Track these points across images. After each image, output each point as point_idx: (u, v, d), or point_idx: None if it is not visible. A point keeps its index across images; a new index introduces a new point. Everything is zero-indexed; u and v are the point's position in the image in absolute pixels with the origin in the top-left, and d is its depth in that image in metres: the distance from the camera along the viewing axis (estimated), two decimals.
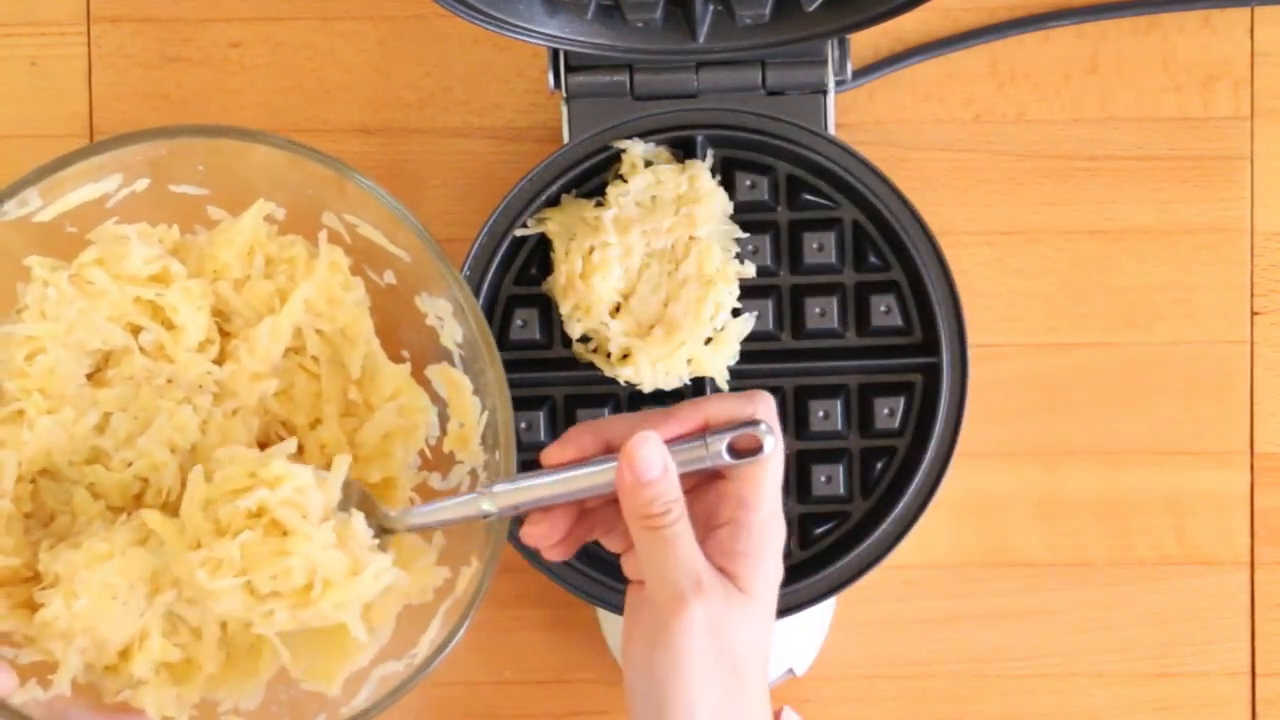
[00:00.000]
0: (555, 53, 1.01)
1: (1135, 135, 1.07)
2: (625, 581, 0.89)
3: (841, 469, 1.01)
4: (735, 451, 0.84)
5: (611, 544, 0.89)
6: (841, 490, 1.02)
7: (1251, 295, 1.08)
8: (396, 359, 0.94)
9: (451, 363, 0.93)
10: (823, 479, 1.01)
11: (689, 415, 0.85)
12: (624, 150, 1.00)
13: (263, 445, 0.92)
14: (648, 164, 1.01)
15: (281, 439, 0.92)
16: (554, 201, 1.01)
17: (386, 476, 0.93)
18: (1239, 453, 1.08)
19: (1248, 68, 1.07)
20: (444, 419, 0.94)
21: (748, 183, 1.01)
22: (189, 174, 0.91)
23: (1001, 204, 1.08)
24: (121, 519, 0.89)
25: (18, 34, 1.08)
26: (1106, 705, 1.08)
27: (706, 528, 0.85)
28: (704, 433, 0.84)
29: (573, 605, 1.06)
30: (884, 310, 1.01)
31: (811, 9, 0.99)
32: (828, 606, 1.04)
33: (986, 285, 1.07)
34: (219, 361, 0.92)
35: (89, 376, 0.92)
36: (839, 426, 1.01)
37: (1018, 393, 1.07)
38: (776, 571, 0.86)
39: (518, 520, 0.87)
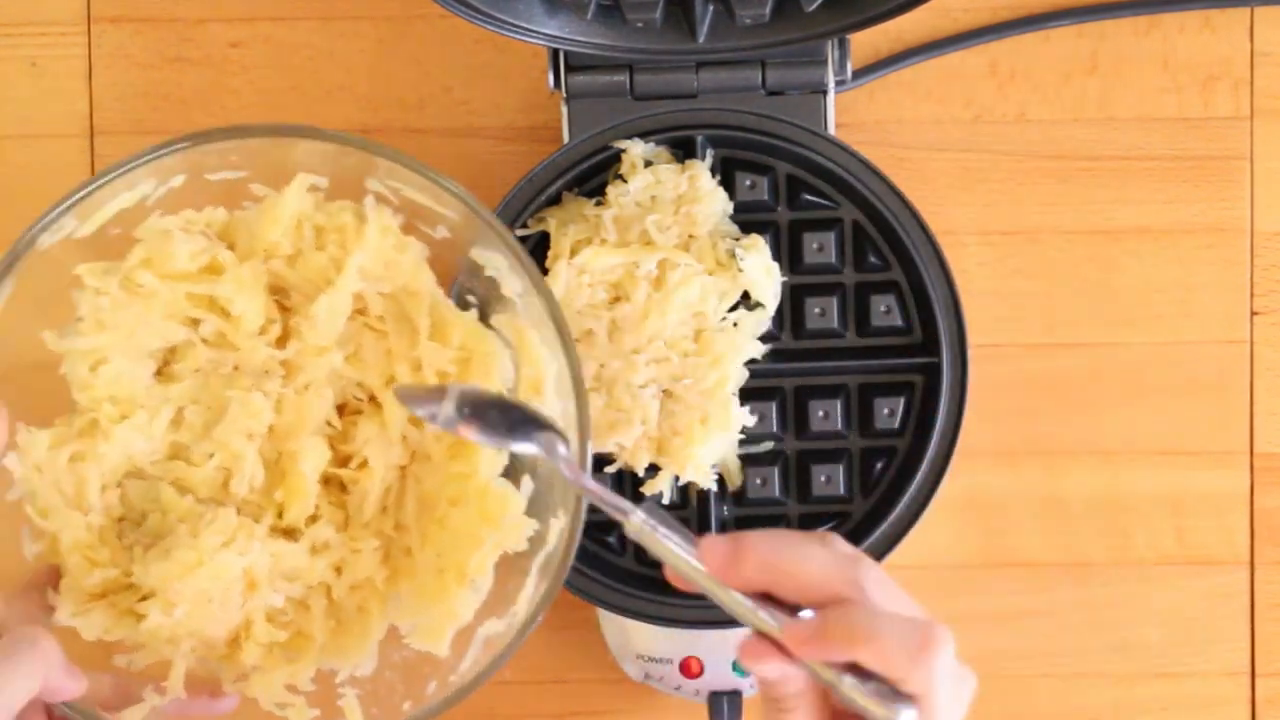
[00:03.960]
0: (555, 53, 1.01)
1: (1135, 135, 1.07)
2: (625, 581, 0.88)
3: (841, 469, 1.01)
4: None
5: None
6: (841, 490, 1.02)
7: (1251, 295, 1.08)
8: (463, 307, 0.92)
9: (514, 313, 0.91)
10: (823, 479, 1.01)
11: (840, 645, 0.74)
12: (624, 150, 1.01)
13: (341, 410, 0.91)
14: (648, 164, 1.01)
15: (359, 401, 0.92)
16: (554, 201, 1.01)
17: None
18: (1239, 453, 1.08)
19: (1248, 68, 1.07)
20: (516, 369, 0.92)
21: (748, 183, 1.01)
22: (223, 163, 0.90)
23: (1001, 204, 1.08)
24: (208, 518, 0.88)
25: (18, 34, 1.08)
26: (1106, 705, 1.08)
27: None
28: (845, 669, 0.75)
29: (573, 605, 1.05)
30: (884, 310, 1.01)
31: (811, 9, 0.99)
32: None
33: (986, 285, 1.07)
34: (282, 340, 0.91)
35: (156, 374, 0.91)
36: (839, 426, 1.01)
37: (1018, 393, 1.07)
38: None
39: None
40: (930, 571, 1.08)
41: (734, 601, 0.77)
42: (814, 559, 0.76)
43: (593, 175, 1.02)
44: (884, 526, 1.00)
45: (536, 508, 0.90)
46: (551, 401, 0.90)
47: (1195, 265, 1.07)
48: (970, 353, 1.00)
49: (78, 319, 0.89)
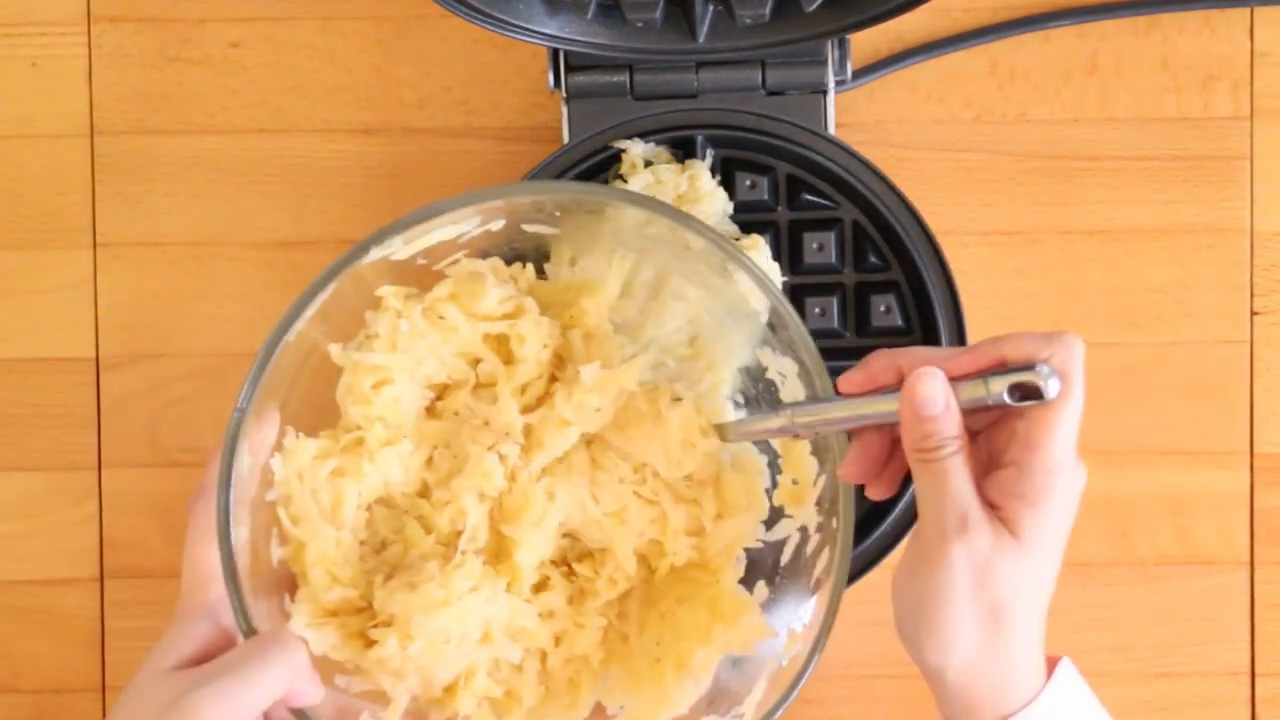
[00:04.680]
0: (555, 53, 1.01)
1: (1135, 135, 1.07)
2: None
3: None
4: (1016, 394, 0.81)
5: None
6: None
7: (1251, 295, 1.08)
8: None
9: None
10: None
11: (984, 352, 0.83)
12: (624, 150, 1.01)
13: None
14: (648, 164, 1.01)
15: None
16: None
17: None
18: (1239, 453, 1.08)
19: (1248, 68, 1.07)
20: (774, 470, 0.92)
21: (748, 183, 1.02)
22: (542, 215, 0.89)
23: (1001, 204, 1.08)
24: (456, 560, 0.88)
25: (18, 34, 1.08)
26: (1107, 705, 1.08)
27: (991, 466, 0.84)
28: (993, 369, 0.83)
29: None
30: (884, 310, 1.01)
31: (811, 9, 0.99)
32: None
33: (986, 285, 1.07)
34: (536, 404, 0.91)
35: (426, 409, 0.91)
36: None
37: None
38: (1059, 520, 0.83)
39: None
40: None
41: (891, 397, 0.83)
42: (912, 350, 0.85)
43: (593, 175, 1.02)
44: (884, 526, 1.00)
45: (771, 616, 0.90)
46: (810, 513, 0.90)
47: (1195, 265, 1.07)
48: None
49: (367, 335, 0.89)
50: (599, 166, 1.01)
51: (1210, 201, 1.07)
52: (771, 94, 1.01)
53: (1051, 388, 0.81)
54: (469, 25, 0.98)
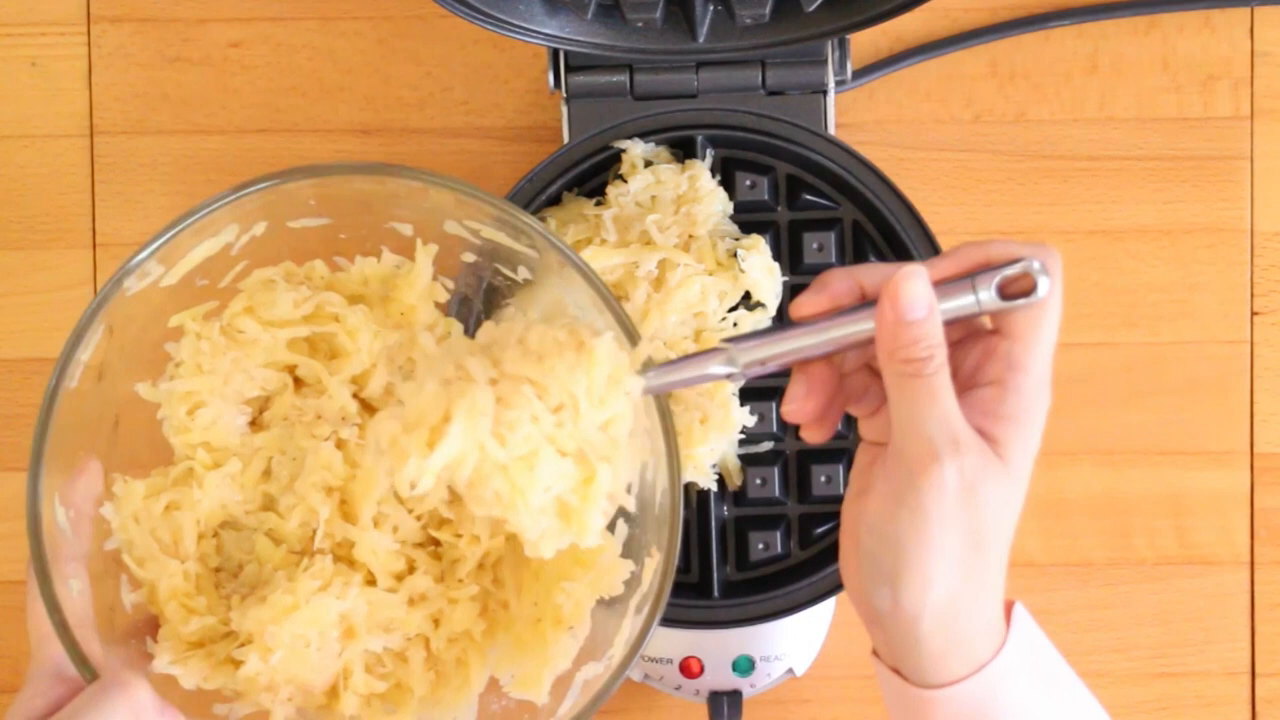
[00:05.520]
0: (555, 53, 1.01)
1: (1135, 135, 1.08)
2: None
3: (841, 469, 1.01)
4: (1006, 295, 0.77)
5: (861, 409, 0.82)
6: (841, 490, 1.02)
7: (1251, 295, 1.08)
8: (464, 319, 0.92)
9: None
10: (823, 479, 1.01)
11: (966, 254, 0.77)
12: (624, 150, 1.01)
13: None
14: (648, 164, 1.01)
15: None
16: (554, 201, 1.01)
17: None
18: (1239, 453, 1.08)
19: (1248, 68, 1.08)
20: None
21: (748, 183, 1.02)
22: (302, 209, 0.89)
23: (1001, 204, 1.08)
24: (304, 564, 0.88)
25: (18, 34, 1.08)
26: (1106, 705, 1.08)
27: (966, 386, 0.78)
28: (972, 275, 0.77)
29: None
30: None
31: (811, 9, 0.99)
32: (828, 606, 1.04)
33: None
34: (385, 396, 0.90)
35: (251, 424, 0.91)
36: (839, 426, 1.01)
37: None
38: (1037, 442, 0.79)
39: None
40: None
41: (860, 314, 0.77)
42: (870, 265, 0.79)
43: (593, 175, 1.02)
44: None
45: (631, 550, 0.89)
46: (641, 439, 0.87)
47: (1195, 265, 1.08)
48: None
49: (175, 364, 0.89)
50: (599, 166, 1.01)
51: (1210, 201, 1.07)
52: (771, 94, 1.01)
53: (1043, 283, 0.76)
54: (469, 25, 0.98)
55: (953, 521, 0.77)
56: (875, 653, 0.84)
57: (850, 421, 1.01)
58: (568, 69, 1.01)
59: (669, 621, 1.00)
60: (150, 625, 0.88)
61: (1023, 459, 0.78)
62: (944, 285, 0.77)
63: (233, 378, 0.89)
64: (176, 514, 0.88)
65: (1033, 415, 0.78)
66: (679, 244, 1.00)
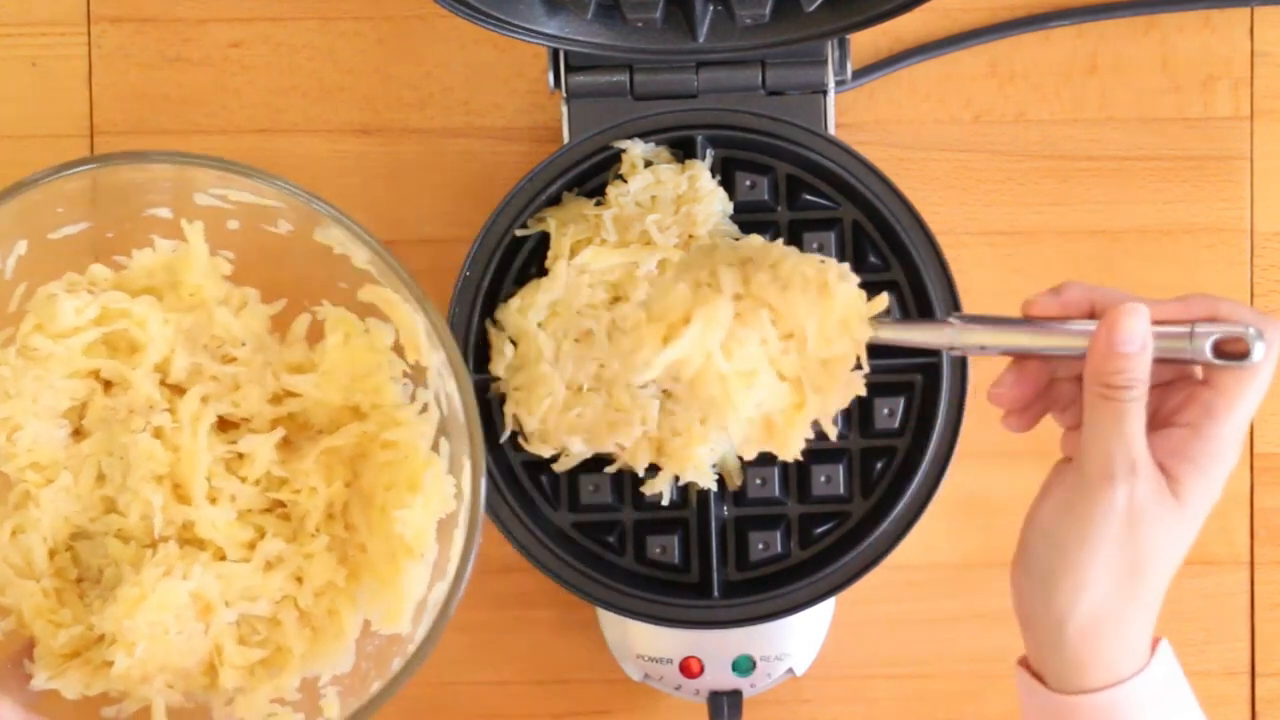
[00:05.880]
0: (555, 53, 1.01)
1: (1135, 135, 1.08)
2: (625, 581, 0.89)
3: (841, 469, 1.01)
4: (1219, 352, 0.81)
5: (1065, 418, 0.87)
6: (841, 490, 1.02)
7: (1251, 295, 1.08)
8: (335, 291, 0.94)
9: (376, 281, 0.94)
10: (823, 479, 1.01)
11: (1195, 303, 0.83)
12: (624, 150, 1.01)
13: (285, 442, 0.94)
14: (648, 164, 1.01)
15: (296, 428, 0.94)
16: (554, 201, 1.01)
17: (376, 404, 0.94)
18: None
19: (1247, 68, 1.08)
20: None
21: (748, 183, 1.01)
22: (52, 218, 0.92)
23: (1001, 204, 1.08)
24: (147, 556, 0.91)
25: (18, 34, 1.08)
26: None
27: (1164, 424, 0.84)
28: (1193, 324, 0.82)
29: (573, 605, 1.06)
30: (884, 310, 1.01)
31: (811, 9, 0.99)
32: (828, 606, 1.04)
33: (986, 285, 1.07)
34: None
35: (74, 434, 0.93)
36: (839, 426, 1.01)
37: None
38: (1216, 492, 0.84)
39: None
40: (930, 571, 1.08)
41: (1081, 328, 0.83)
42: (1110, 289, 0.84)
43: (593, 175, 1.02)
44: (884, 526, 1.00)
45: (454, 466, 0.92)
46: (429, 354, 0.92)
47: (1195, 265, 1.07)
48: None
49: None
50: (599, 166, 1.01)
51: (1210, 201, 1.07)
52: (771, 94, 1.01)
53: (1258, 349, 0.80)
54: (469, 25, 0.98)
55: (1115, 539, 0.82)
56: (1020, 663, 0.87)
57: (850, 421, 1.01)
58: (568, 69, 1.01)
59: (669, 621, 1.00)
60: (28, 648, 0.92)
61: (1199, 503, 0.83)
62: (1165, 327, 0.82)
63: (40, 395, 0.92)
64: (22, 537, 0.92)
65: (1218, 463, 0.83)
66: (679, 244, 1.00)
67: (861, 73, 1.06)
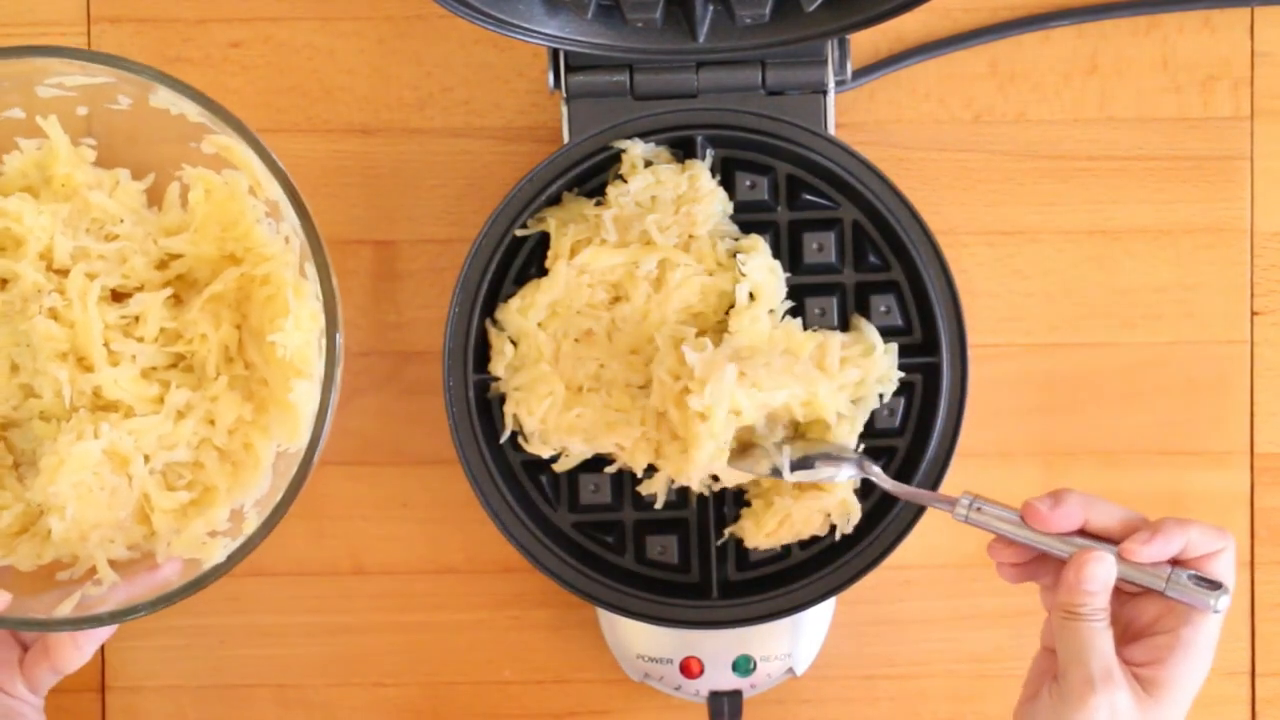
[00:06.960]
0: (555, 53, 1.01)
1: (1135, 135, 1.07)
2: (625, 581, 0.89)
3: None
4: (1196, 581, 0.91)
5: (1046, 599, 0.94)
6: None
7: (1251, 295, 1.08)
8: (192, 154, 1.00)
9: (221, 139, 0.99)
10: None
11: (1170, 541, 0.91)
12: (624, 150, 1.01)
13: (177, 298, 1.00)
14: (648, 164, 1.01)
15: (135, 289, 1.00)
16: (554, 201, 1.01)
17: (248, 248, 0.99)
18: (1239, 453, 1.08)
19: (1248, 68, 1.07)
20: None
21: (748, 183, 1.01)
22: None
23: (1001, 204, 1.08)
24: (62, 427, 0.98)
25: (18, 34, 1.08)
26: None
27: (1144, 634, 0.92)
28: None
29: (573, 605, 1.06)
30: (884, 310, 1.01)
31: (811, 9, 0.99)
32: (828, 606, 1.04)
33: (986, 285, 1.07)
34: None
35: None
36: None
37: (1018, 393, 1.07)
38: (1193, 691, 0.91)
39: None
40: (930, 571, 1.08)
41: (1058, 542, 0.92)
42: (1107, 506, 0.93)
43: (593, 175, 1.02)
44: (884, 526, 1.00)
45: (324, 286, 0.96)
46: (271, 187, 0.97)
47: (1195, 265, 1.07)
48: (970, 353, 1.00)
49: None
50: (599, 166, 1.01)
51: (1210, 201, 1.07)
52: (771, 94, 1.01)
53: (1222, 603, 0.90)
54: (469, 25, 0.98)
55: None
56: None
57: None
58: (568, 69, 1.01)
59: (669, 622, 1.00)
60: None
61: (1176, 692, 0.90)
62: (1143, 570, 0.91)
63: None
64: None
65: (1194, 666, 0.91)
66: (679, 244, 1.00)
67: (861, 73, 1.06)
